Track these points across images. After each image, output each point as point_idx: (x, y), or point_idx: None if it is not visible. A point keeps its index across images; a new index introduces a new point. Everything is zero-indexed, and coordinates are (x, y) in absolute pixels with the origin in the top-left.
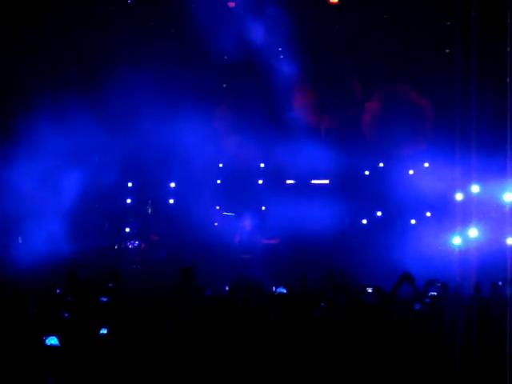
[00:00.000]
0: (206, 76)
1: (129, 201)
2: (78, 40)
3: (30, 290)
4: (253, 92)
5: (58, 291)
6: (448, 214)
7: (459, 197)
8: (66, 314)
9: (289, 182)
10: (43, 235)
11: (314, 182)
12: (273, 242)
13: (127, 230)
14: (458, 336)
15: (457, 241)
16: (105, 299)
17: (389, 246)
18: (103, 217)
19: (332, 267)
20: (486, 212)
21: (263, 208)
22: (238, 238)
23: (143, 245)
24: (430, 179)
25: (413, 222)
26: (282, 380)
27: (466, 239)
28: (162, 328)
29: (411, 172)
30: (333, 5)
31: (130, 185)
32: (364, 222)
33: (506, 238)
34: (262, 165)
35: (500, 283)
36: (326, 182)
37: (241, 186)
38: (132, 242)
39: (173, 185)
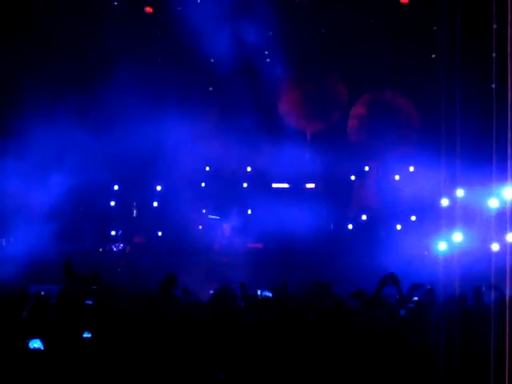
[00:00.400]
0: (193, 78)
1: (113, 203)
2: (65, 40)
3: (24, 295)
4: (239, 95)
5: (42, 293)
6: (433, 219)
7: (445, 202)
8: (51, 317)
9: (274, 185)
10: (27, 237)
11: (299, 185)
12: (257, 245)
13: (113, 233)
14: (442, 343)
15: (442, 246)
16: (90, 302)
17: (373, 251)
18: (88, 219)
19: (316, 276)
20: (471, 217)
21: (249, 212)
22: (217, 244)
23: (128, 248)
24: (416, 183)
25: (398, 227)
26: None
27: (451, 245)
28: (145, 333)
29: (397, 177)
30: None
31: (115, 187)
32: (350, 226)
33: (490, 243)
34: (249, 168)
35: (483, 289)
36: (312, 186)
37: (226, 189)
38: (117, 245)
39: (159, 188)
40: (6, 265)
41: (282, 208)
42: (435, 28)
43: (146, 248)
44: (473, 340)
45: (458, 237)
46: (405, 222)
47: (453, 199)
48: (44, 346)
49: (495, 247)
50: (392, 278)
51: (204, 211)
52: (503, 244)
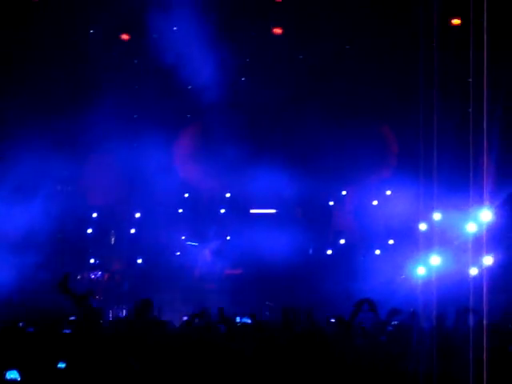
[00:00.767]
0: (170, 105)
1: (90, 231)
2: (43, 68)
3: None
4: (216, 121)
5: (20, 324)
6: (411, 243)
7: (423, 227)
8: (27, 347)
9: (252, 211)
10: (4, 267)
11: (276, 211)
12: (236, 272)
13: (91, 260)
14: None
15: (421, 271)
16: (68, 331)
17: (352, 276)
18: (66, 247)
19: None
20: (449, 241)
21: (227, 237)
22: (198, 270)
23: (106, 275)
24: (393, 207)
25: (377, 252)
26: None
27: (429, 269)
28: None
29: (375, 202)
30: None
31: (94, 215)
32: (329, 252)
33: (468, 267)
34: (228, 195)
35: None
36: (273, 211)
37: (204, 215)
38: (95, 272)
39: (138, 215)
40: None
41: (260, 234)
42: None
43: (124, 275)
44: (452, 363)
45: (435, 260)
46: (383, 246)
47: (430, 223)
48: (21, 377)
49: (473, 271)
50: (369, 303)
51: (183, 238)
52: (481, 268)
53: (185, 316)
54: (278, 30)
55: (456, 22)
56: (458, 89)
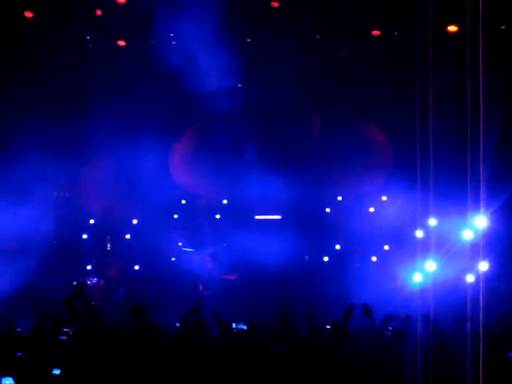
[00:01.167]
0: (168, 110)
1: (85, 236)
2: (41, 71)
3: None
4: (213, 127)
5: (18, 329)
6: (407, 249)
7: (419, 234)
8: (21, 354)
9: (257, 217)
10: (2, 273)
11: (272, 217)
12: (232, 277)
13: (88, 267)
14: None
15: (417, 278)
16: (64, 337)
17: (348, 282)
18: (61, 253)
19: (285, 307)
20: (445, 247)
21: (224, 244)
22: (202, 285)
23: (102, 281)
24: (389, 214)
25: (374, 259)
26: None
27: (425, 275)
28: (122, 365)
29: (371, 209)
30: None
31: (91, 221)
32: (325, 259)
33: (465, 274)
34: (225, 201)
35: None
36: (278, 217)
37: (200, 221)
38: (91, 278)
39: (135, 221)
40: None
41: (256, 240)
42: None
43: (120, 281)
44: (448, 369)
45: (430, 266)
46: (379, 252)
47: (427, 230)
48: None
49: (470, 278)
50: (364, 309)
51: (180, 244)
52: (477, 274)
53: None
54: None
55: (452, 28)
56: (454, 95)
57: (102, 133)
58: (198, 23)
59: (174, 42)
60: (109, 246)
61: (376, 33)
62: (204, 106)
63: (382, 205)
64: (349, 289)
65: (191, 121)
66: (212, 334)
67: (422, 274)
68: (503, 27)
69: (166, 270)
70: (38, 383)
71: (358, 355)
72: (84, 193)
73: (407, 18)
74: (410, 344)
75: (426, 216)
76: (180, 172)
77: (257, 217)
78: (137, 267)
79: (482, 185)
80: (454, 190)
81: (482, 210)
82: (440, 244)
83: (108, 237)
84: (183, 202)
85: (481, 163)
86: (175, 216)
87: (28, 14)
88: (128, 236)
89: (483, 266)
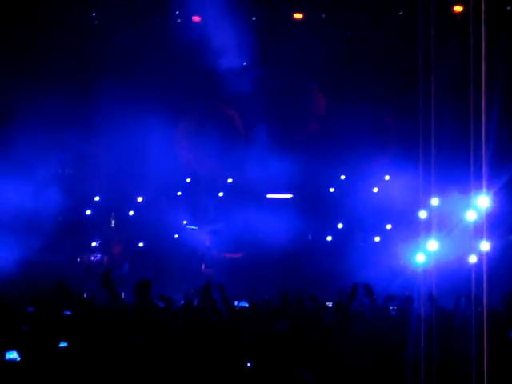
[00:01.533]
0: (175, 89)
1: (89, 212)
2: (59, 40)
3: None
4: (217, 106)
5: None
6: (410, 228)
7: (423, 215)
8: (26, 327)
9: (252, 195)
10: (6, 248)
11: (276, 195)
12: (235, 255)
13: (93, 244)
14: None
15: (420, 258)
16: (68, 312)
17: (351, 261)
18: (66, 230)
19: (293, 286)
20: (447, 227)
21: (227, 221)
22: (203, 265)
23: (106, 258)
24: (392, 193)
25: (377, 239)
26: None
27: (428, 255)
28: (128, 339)
29: (375, 190)
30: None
31: (96, 198)
32: (328, 238)
33: (467, 254)
34: (230, 180)
35: (463, 299)
36: (289, 196)
37: (204, 198)
38: (95, 255)
39: (140, 199)
40: None
41: (259, 218)
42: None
43: (123, 257)
44: (452, 349)
45: (432, 245)
46: (382, 232)
47: (430, 209)
48: (20, 358)
49: (472, 259)
50: (366, 288)
51: (185, 222)
52: (479, 254)
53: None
54: (298, 16)
55: (458, 8)
56: (457, 75)
57: (108, 110)
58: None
59: (179, 20)
60: (113, 222)
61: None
62: (213, 84)
63: (386, 184)
64: (351, 268)
65: (199, 99)
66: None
67: (425, 254)
68: (508, 8)
69: (169, 246)
70: (43, 357)
71: (361, 334)
72: (89, 169)
73: None
74: (413, 324)
75: (428, 196)
76: (186, 150)
77: (271, 195)
78: (141, 244)
79: (484, 165)
80: (457, 170)
81: (485, 190)
82: (442, 224)
83: (112, 213)
84: (188, 180)
85: (483, 143)
86: (179, 193)
87: None
88: (131, 213)
89: (485, 246)
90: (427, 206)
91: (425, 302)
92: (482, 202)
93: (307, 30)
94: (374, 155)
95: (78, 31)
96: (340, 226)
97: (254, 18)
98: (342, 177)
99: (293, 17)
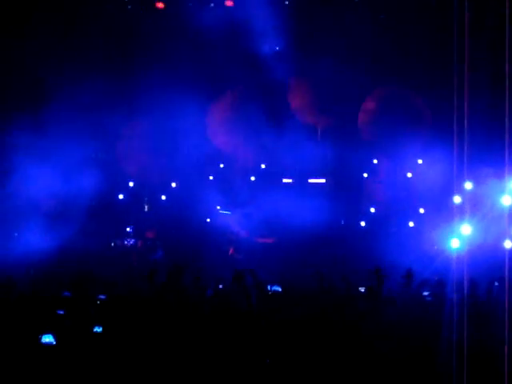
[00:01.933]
0: (209, 74)
1: (121, 197)
2: (98, 36)
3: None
4: (251, 91)
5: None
6: (444, 213)
7: (457, 200)
8: (62, 312)
9: (285, 180)
10: (43, 235)
11: (310, 180)
12: (268, 241)
13: (128, 229)
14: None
15: (455, 243)
16: (103, 297)
17: (384, 247)
18: (100, 215)
19: (319, 269)
20: (482, 212)
21: (259, 206)
22: (232, 248)
23: (140, 242)
24: (426, 177)
25: (411, 224)
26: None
27: (463, 240)
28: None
29: (409, 175)
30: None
31: (131, 184)
32: (362, 223)
33: (502, 240)
34: (263, 166)
35: (496, 283)
36: (323, 180)
37: (237, 184)
38: (128, 240)
39: (174, 185)
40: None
41: (292, 203)
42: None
43: (158, 242)
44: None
45: (466, 229)
46: (415, 216)
47: (464, 195)
48: (56, 341)
49: (508, 244)
50: (407, 273)
51: (218, 208)
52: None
53: (220, 284)
54: None
55: None
56: (491, 59)
57: (141, 96)
58: None
59: (212, 5)
60: (146, 207)
61: None
62: (248, 69)
63: (419, 169)
64: (384, 253)
65: (234, 84)
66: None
67: (460, 239)
68: None
69: (202, 231)
70: (78, 340)
71: (393, 320)
72: (123, 154)
73: None
74: (447, 308)
75: (462, 180)
76: (220, 135)
77: (312, 180)
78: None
79: None
80: (492, 155)
81: None
82: (476, 208)
83: (146, 198)
84: (221, 165)
85: None
86: (211, 177)
87: None
88: (164, 197)
89: None
90: (461, 191)
91: (457, 287)
92: None
93: (339, 14)
94: (408, 139)
95: (115, 16)
96: (372, 210)
97: (286, 2)
98: (375, 161)
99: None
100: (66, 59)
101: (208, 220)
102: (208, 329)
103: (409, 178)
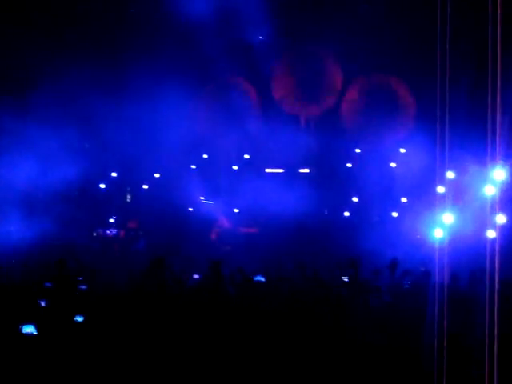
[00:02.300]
0: (192, 63)
1: (103, 186)
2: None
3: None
4: (235, 81)
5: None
6: (427, 202)
7: (441, 189)
8: (43, 302)
9: (270, 170)
10: (24, 224)
11: (292, 170)
12: (251, 230)
13: (111, 220)
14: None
15: (438, 233)
16: (84, 287)
17: (367, 236)
18: (82, 205)
19: (302, 259)
20: (464, 201)
21: (242, 196)
22: (214, 233)
23: (122, 232)
24: (408, 167)
25: (395, 214)
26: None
27: (445, 230)
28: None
29: (393, 164)
30: None
31: (114, 174)
32: (346, 213)
33: (484, 229)
34: (247, 156)
35: (478, 274)
36: (306, 170)
37: (219, 173)
38: (110, 230)
39: (157, 175)
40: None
41: (275, 193)
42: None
43: (139, 232)
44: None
45: (448, 218)
46: (398, 206)
47: (447, 183)
48: (37, 331)
49: (491, 234)
50: (392, 262)
51: (202, 198)
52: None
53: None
54: None
55: None
56: (473, 47)
57: (124, 85)
58: None
59: None
60: (128, 197)
61: None
62: (231, 58)
63: (402, 158)
64: (367, 243)
65: (217, 73)
66: (230, 291)
67: (443, 228)
68: None
69: (184, 221)
70: (59, 330)
71: (376, 308)
72: (105, 144)
73: None
74: (430, 298)
75: (444, 169)
76: (202, 125)
77: (270, 170)
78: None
79: (499, 137)
80: (474, 143)
81: (500, 162)
82: (459, 197)
83: (128, 188)
84: (205, 156)
85: (498, 115)
86: (193, 166)
87: None
88: (145, 186)
89: (501, 218)
90: (444, 180)
91: (440, 277)
92: (498, 175)
93: (324, 2)
94: (391, 128)
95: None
96: (355, 199)
97: None
98: (357, 150)
99: None
100: (53, 45)
101: (191, 209)
102: (187, 318)
103: (392, 168)
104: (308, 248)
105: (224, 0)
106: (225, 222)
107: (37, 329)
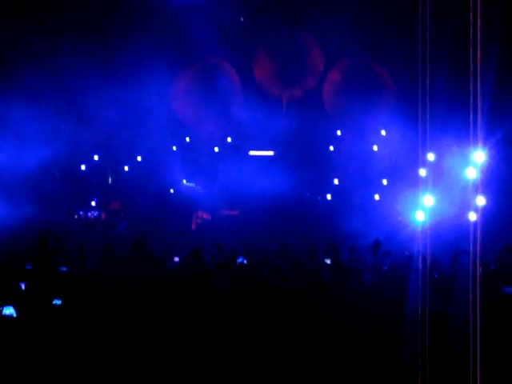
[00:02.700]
0: (173, 47)
1: (83, 167)
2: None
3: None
4: (215, 62)
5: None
6: (408, 184)
7: (423, 172)
8: (23, 284)
9: (250, 152)
10: (3, 205)
11: (270, 153)
12: (233, 213)
13: (93, 203)
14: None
15: (420, 216)
16: (64, 269)
17: (348, 218)
18: (63, 187)
19: (284, 242)
20: (445, 183)
21: (223, 179)
22: (193, 224)
23: (103, 214)
24: (389, 148)
25: (376, 197)
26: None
27: (427, 213)
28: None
29: (375, 147)
30: None
31: (96, 158)
32: (328, 197)
33: (465, 211)
34: (229, 139)
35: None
36: (271, 153)
37: (201, 156)
38: (92, 212)
39: (139, 158)
40: None
41: (257, 175)
42: None
43: (121, 214)
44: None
45: (428, 200)
46: (379, 188)
47: (428, 166)
48: (17, 313)
49: (472, 216)
50: (374, 243)
51: (184, 181)
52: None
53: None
54: None
55: None
56: (454, 30)
57: (106, 67)
58: None
59: None
60: (110, 179)
61: None
62: (211, 41)
63: (383, 141)
64: (349, 225)
65: (197, 56)
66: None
67: (424, 211)
68: None
69: (166, 203)
70: (38, 313)
71: (358, 291)
72: (86, 126)
73: None
74: (413, 280)
75: (425, 151)
76: (184, 108)
77: (253, 152)
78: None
79: (480, 120)
80: (455, 125)
81: (480, 145)
82: (440, 179)
83: (109, 170)
84: (187, 139)
85: (479, 98)
86: (174, 148)
87: None
88: (126, 168)
89: (481, 200)
90: (425, 162)
91: (422, 259)
92: (478, 157)
93: None
94: (371, 111)
95: None
96: (336, 181)
97: None
98: (338, 132)
99: None
100: (32, 24)
101: (172, 191)
102: (167, 300)
103: (373, 150)
104: (290, 230)
105: None
106: (204, 215)
107: (16, 311)
